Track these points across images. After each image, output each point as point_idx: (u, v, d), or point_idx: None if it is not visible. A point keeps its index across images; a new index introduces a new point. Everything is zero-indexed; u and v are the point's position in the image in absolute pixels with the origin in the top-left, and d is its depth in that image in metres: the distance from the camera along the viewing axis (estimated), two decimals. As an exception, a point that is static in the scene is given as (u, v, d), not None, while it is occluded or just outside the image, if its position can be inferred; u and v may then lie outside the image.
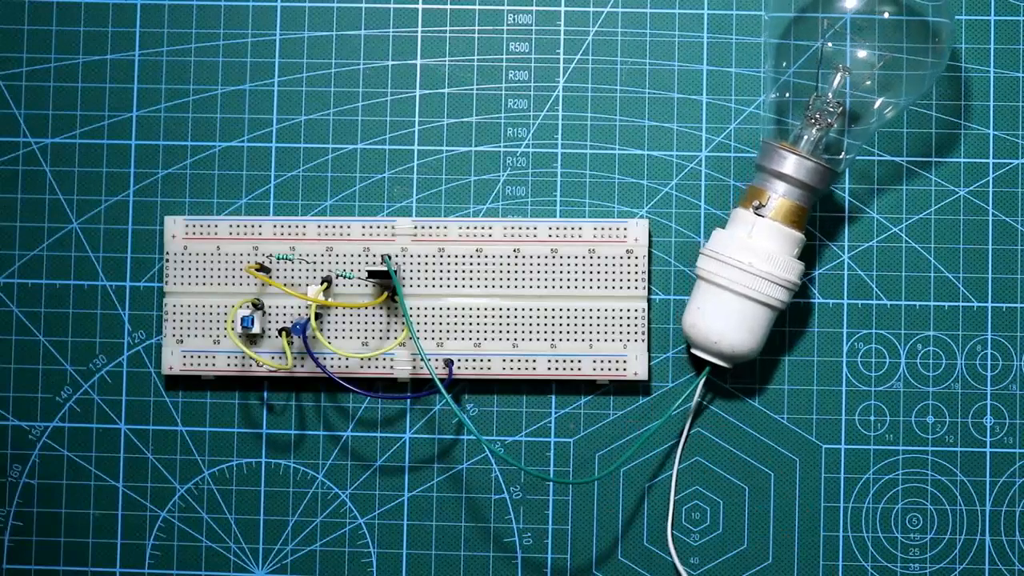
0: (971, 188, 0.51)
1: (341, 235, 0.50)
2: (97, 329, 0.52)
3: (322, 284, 0.49)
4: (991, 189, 0.51)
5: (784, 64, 0.49)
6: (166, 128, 0.52)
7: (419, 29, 0.52)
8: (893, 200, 0.51)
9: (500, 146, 0.51)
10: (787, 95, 0.49)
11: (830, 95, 0.48)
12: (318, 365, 0.49)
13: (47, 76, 0.52)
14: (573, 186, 0.51)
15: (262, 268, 0.49)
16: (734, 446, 0.51)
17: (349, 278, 0.50)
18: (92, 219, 0.52)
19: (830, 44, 0.47)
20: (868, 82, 0.48)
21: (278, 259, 0.50)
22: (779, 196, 0.47)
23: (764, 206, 0.47)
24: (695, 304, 0.48)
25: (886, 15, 0.48)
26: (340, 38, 0.52)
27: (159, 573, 0.51)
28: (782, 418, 0.51)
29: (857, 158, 0.50)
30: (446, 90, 0.52)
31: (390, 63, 0.52)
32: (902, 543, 0.50)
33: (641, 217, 0.51)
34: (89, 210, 0.52)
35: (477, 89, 0.52)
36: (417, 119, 0.52)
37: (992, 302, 0.50)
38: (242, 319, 0.49)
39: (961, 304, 0.51)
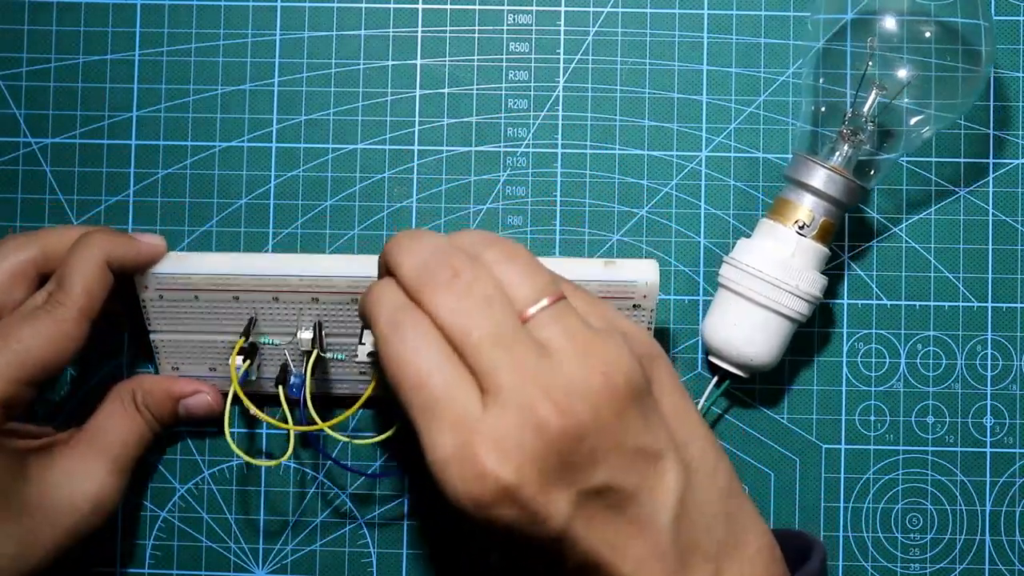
0: (971, 188, 0.51)
1: (326, 287, 0.47)
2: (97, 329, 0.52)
3: (312, 357, 0.47)
4: (991, 189, 0.51)
5: (822, 80, 0.49)
6: (166, 128, 0.52)
7: (419, 29, 0.52)
8: (893, 200, 0.51)
9: (500, 146, 0.51)
10: (823, 109, 0.48)
11: (865, 109, 0.47)
12: (315, 446, 0.47)
13: (47, 76, 0.52)
14: (573, 186, 0.51)
15: (247, 349, 0.48)
16: (734, 446, 0.51)
17: (341, 360, 0.49)
18: (92, 219, 0.52)
19: (870, 63, 0.47)
20: (905, 99, 0.47)
21: (263, 343, 0.48)
22: (820, 216, 0.46)
23: (808, 226, 0.47)
24: (729, 319, 0.47)
25: (927, 34, 0.47)
26: (340, 38, 0.52)
27: (159, 573, 0.51)
28: (782, 418, 0.51)
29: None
30: (446, 90, 0.52)
31: (390, 63, 0.52)
32: (902, 543, 0.50)
33: (648, 263, 0.46)
34: (89, 210, 0.52)
35: (477, 89, 0.52)
36: (417, 119, 0.52)
37: (992, 302, 0.50)
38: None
39: (961, 304, 0.50)
